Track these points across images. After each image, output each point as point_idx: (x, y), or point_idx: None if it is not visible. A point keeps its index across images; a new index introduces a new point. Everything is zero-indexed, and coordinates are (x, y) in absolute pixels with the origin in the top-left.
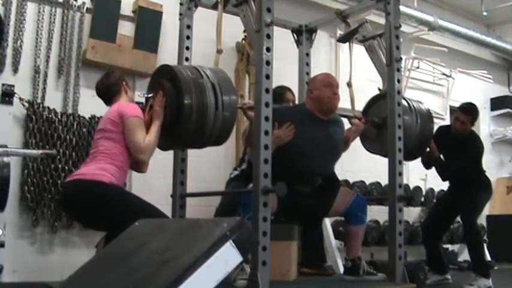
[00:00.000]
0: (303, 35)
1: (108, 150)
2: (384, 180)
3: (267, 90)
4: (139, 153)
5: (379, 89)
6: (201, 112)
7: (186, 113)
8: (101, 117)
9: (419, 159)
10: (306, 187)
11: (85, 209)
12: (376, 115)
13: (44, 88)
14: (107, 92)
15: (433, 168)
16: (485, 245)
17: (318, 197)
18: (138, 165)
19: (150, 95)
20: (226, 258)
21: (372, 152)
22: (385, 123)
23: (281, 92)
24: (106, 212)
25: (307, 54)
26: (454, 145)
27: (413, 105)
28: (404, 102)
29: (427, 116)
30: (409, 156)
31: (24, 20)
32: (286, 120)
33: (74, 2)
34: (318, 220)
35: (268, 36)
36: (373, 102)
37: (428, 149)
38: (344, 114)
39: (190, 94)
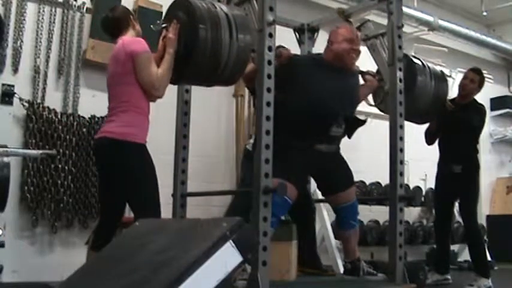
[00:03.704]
0: (305, 34)
1: (128, 97)
2: (384, 180)
3: (269, 90)
4: (154, 90)
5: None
6: (216, 42)
7: (200, 42)
8: (101, 117)
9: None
10: (325, 144)
11: (108, 166)
12: None
13: (44, 88)
14: (116, 27)
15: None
16: (485, 245)
17: (337, 160)
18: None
19: (164, 25)
20: (226, 258)
21: (384, 112)
22: None
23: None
24: (125, 172)
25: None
26: (459, 113)
27: (427, 66)
28: (418, 62)
29: (441, 77)
30: (424, 117)
31: (24, 20)
32: (300, 67)
33: (74, 2)
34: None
35: (271, 35)
36: None
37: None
38: (358, 70)
39: (205, 23)
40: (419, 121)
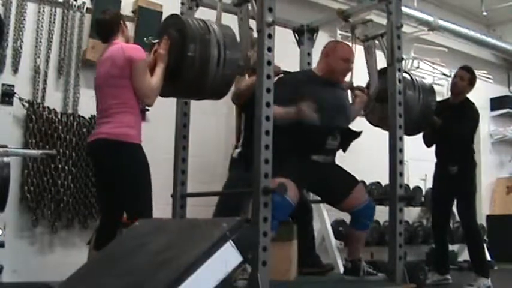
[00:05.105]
0: (305, 34)
1: (123, 98)
2: (384, 180)
3: (268, 90)
4: (146, 98)
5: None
6: (204, 60)
7: (189, 60)
8: None
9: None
10: (322, 155)
11: (107, 167)
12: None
13: (44, 88)
14: (107, 30)
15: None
16: (485, 245)
17: (334, 169)
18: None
19: (155, 41)
20: (226, 258)
21: (374, 126)
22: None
23: None
24: (124, 174)
25: (309, 54)
26: (451, 114)
27: (415, 80)
28: (407, 76)
29: (429, 90)
30: (413, 129)
31: (24, 20)
32: (292, 83)
33: (74, 2)
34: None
35: (270, 36)
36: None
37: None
38: (348, 85)
39: (195, 42)
40: (409, 133)
